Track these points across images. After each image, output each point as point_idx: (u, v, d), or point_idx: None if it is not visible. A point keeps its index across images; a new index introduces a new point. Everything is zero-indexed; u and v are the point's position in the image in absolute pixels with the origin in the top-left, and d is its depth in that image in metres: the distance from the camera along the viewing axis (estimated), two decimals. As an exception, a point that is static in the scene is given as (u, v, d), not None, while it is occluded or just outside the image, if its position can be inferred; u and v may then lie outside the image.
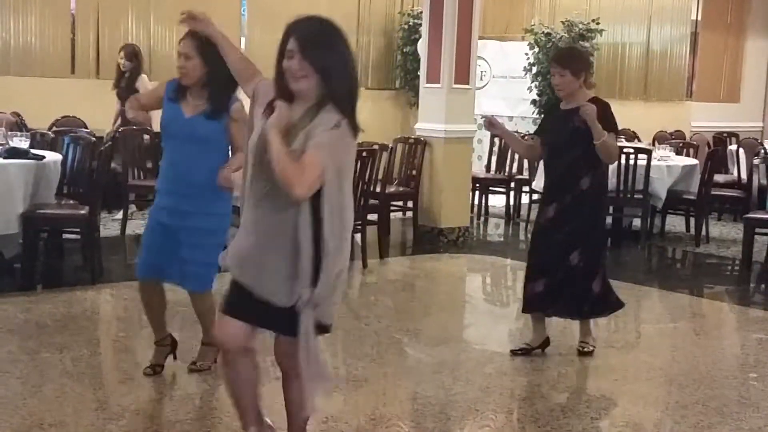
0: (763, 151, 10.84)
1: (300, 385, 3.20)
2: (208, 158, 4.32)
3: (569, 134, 4.93)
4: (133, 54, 8.74)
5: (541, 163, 8.93)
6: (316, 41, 2.97)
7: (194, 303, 4.54)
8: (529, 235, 9.72)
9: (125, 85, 8.56)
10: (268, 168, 2.95)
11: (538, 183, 9.37)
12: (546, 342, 5.20)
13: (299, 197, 2.90)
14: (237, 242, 3.15)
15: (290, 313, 3.06)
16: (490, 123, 5.12)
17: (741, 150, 11.01)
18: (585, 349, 5.19)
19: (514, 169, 10.32)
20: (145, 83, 8.63)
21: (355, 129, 3.04)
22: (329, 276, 3.01)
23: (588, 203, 5.00)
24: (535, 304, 5.15)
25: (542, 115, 5.32)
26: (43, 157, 6.48)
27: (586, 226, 5.02)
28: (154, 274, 4.47)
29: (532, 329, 5.24)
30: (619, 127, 5.19)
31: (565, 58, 5.02)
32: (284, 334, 3.17)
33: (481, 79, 11.92)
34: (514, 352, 5.16)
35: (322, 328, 3.15)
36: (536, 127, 5.61)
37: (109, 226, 8.35)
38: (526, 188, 10.08)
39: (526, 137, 10.25)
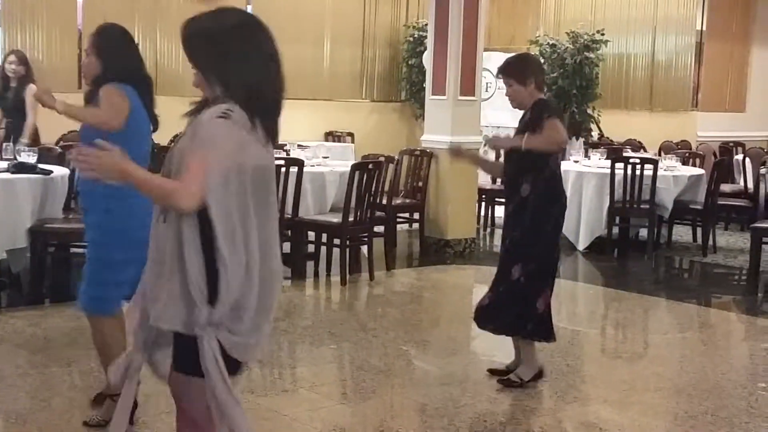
0: (769, 160, 10.83)
1: None
2: None
3: (529, 122, 4.69)
4: (24, 59, 7.94)
5: None
6: (201, 35, 2.67)
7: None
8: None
9: (12, 95, 7.73)
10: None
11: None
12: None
13: (185, 209, 2.48)
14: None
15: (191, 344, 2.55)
16: (457, 152, 5.02)
17: (747, 159, 11.00)
18: (512, 381, 4.81)
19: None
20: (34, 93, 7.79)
21: (267, 133, 2.63)
22: (230, 293, 2.52)
23: (529, 212, 4.63)
24: (478, 319, 4.91)
25: None
26: (51, 171, 6.51)
27: (527, 238, 4.66)
28: None
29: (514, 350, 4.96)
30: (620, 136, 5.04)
31: (506, 69, 4.71)
32: (178, 370, 2.64)
33: (487, 91, 11.92)
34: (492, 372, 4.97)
35: (233, 364, 2.60)
36: None
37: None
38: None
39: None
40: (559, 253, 4.89)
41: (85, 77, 4.13)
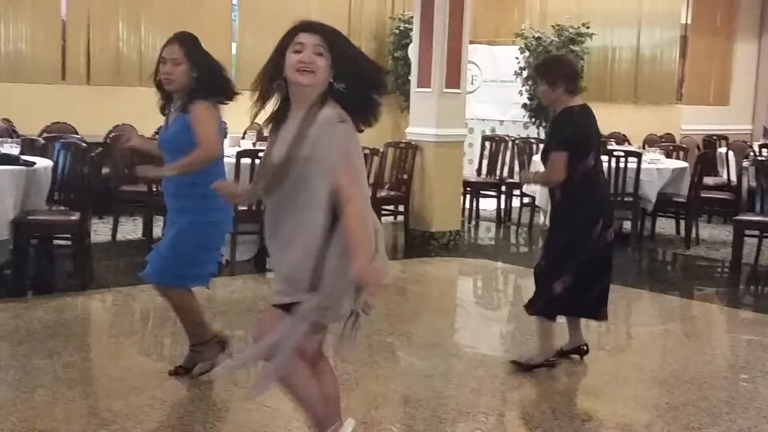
0: (752, 153, 10.89)
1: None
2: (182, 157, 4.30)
3: (546, 143, 5.04)
4: None
5: None
6: (338, 39, 3.04)
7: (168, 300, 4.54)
8: (521, 239, 9.75)
9: None
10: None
11: (530, 187, 9.41)
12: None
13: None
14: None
15: None
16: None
17: (730, 152, 11.07)
18: (518, 363, 5.02)
19: (505, 173, 10.35)
20: None
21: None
22: None
23: (560, 213, 4.97)
24: None
25: None
26: (34, 163, 6.48)
27: (554, 230, 5.05)
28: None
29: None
30: (610, 131, 5.15)
31: (539, 69, 4.94)
32: None
33: (472, 84, 11.94)
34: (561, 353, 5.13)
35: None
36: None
37: (100, 231, 8.35)
38: (516, 192, 10.11)
39: (516, 141, 10.33)
40: (597, 249, 4.93)
41: (172, 84, 4.29)
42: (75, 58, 10.34)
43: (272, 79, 3.05)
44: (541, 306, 4.98)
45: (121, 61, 10.54)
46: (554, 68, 4.90)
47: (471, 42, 9.40)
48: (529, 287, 7.68)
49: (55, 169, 6.86)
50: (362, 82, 3.06)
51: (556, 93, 4.83)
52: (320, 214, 3.01)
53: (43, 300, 6.13)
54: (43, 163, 6.67)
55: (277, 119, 3.12)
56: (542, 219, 9.56)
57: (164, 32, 10.82)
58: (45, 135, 8.50)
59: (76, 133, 8.96)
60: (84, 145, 7.15)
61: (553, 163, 4.81)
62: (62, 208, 6.75)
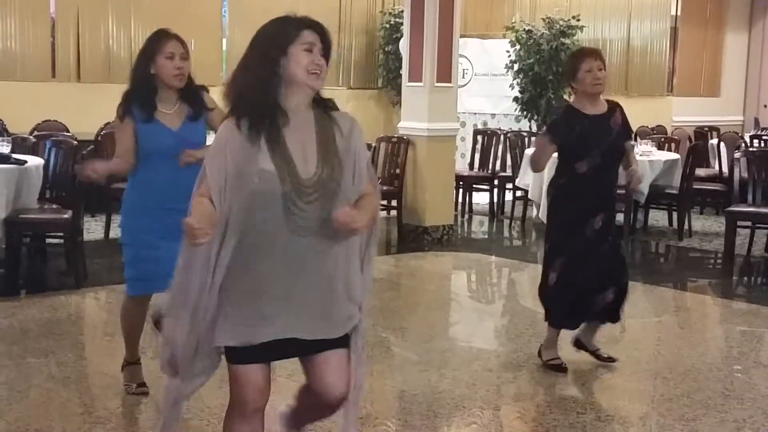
0: (743, 144, 10.91)
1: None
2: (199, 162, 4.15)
3: (614, 141, 4.77)
4: None
5: (529, 162, 8.94)
6: (331, 43, 2.83)
7: None
8: (514, 233, 9.73)
9: None
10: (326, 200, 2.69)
11: (522, 180, 9.40)
12: None
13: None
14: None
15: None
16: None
17: (722, 144, 11.09)
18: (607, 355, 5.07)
19: (498, 167, 10.35)
20: None
21: None
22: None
23: (551, 206, 5.04)
24: (604, 315, 4.95)
25: (558, 121, 4.91)
26: (25, 161, 6.46)
27: (546, 226, 5.11)
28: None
29: (554, 344, 4.99)
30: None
31: (602, 56, 4.77)
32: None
33: (463, 77, 11.94)
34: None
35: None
36: (551, 132, 4.90)
37: (93, 229, 8.33)
38: (509, 185, 10.11)
39: (508, 134, 10.33)
40: (584, 241, 4.79)
41: (182, 80, 4.10)
42: (65, 55, 10.31)
43: (268, 74, 2.66)
44: (544, 301, 5.02)
45: (111, 58, 10.50)
46: None
47: (462, 36, 9.39)
48: (522, 280, 7.73)
49: (46, 167, 6.84)
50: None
51: None
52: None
53: (37, 299, 6.11)
54: (34, 161, 6.65)
55: (270, 124, 2.66)
56: (535, 212, 9.56)
57: (154, 28, 10.80)
58: (36, 133, 8.46)
59: (67, 131, 8.91)
60: (75, 142, 7.13)
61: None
62: (54, 206, 6.73)
